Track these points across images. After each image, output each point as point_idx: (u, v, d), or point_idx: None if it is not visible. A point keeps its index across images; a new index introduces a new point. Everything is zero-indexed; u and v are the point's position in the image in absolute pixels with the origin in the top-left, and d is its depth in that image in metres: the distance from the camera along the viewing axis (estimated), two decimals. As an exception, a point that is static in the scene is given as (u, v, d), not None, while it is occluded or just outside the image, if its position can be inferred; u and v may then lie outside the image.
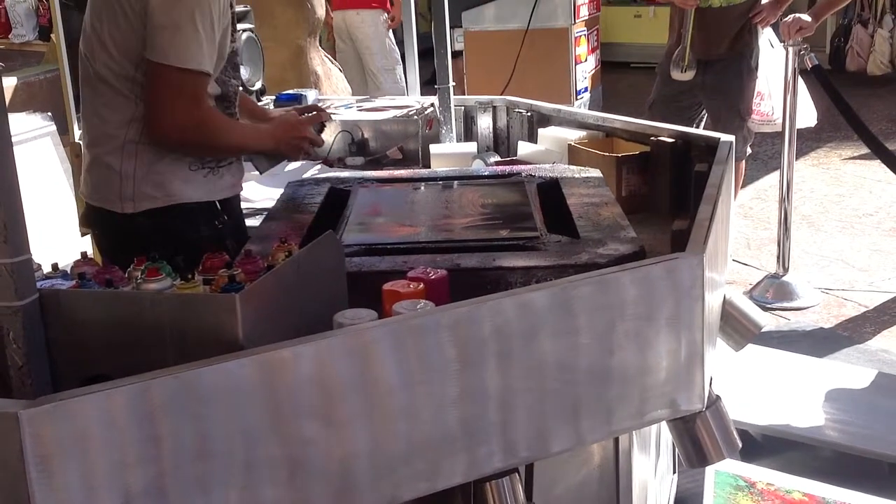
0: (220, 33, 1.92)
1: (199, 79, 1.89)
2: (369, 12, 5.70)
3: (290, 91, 3.40)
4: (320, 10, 5.43)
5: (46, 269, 1.53)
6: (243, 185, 2.89)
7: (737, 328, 2.07)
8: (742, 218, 5.02)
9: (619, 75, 8.12)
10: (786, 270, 4.06)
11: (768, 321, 2.68)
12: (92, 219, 2.07)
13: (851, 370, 3.34)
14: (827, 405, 2.98)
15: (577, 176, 2.26)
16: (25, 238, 1.21)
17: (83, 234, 2.40)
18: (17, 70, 6.12)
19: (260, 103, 3.34)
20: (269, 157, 2.24)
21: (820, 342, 3.62)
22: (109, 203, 1.99)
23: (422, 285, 1.47)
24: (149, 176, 1.96)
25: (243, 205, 2.79)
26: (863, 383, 3.21)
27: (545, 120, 2.94)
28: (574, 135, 2.71)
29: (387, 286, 1.45)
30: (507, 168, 2.46)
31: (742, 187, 4.86)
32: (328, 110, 3.38)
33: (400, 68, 5.33)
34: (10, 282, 1.19)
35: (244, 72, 3.21)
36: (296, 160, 2.43)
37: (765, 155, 5.86)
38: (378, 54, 5.73)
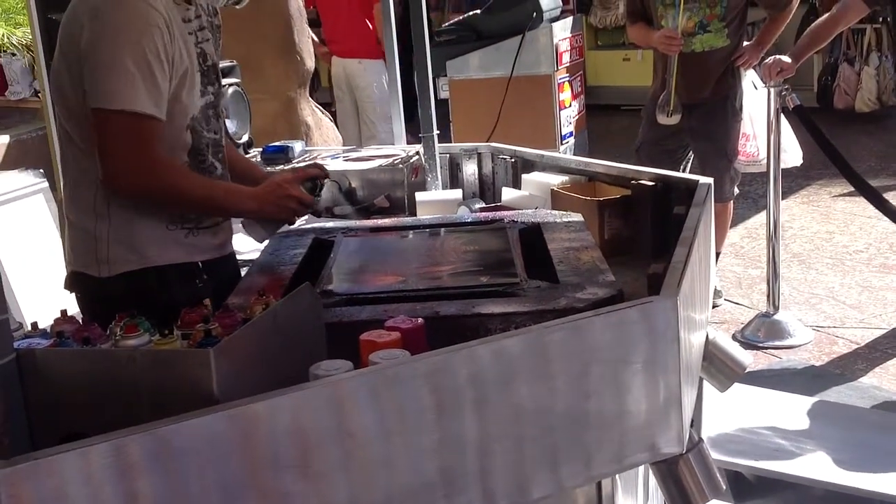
0: (174, 79, 1.87)
1: (140, 121, 1.80)
2: (371, 62, 5.76)
3: (278, 143, 3.44)
4: (310, 62, 5.50)
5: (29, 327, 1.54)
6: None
7: (721, 369, 2.08)
8: (733, 257, 5.04)
9: (609, 118, 8.19)
10: (776, 309, 4.07)
11: (754, 361, 2.69)
12: (73, 283, 2.02)
13: (844, 408, 3.34)
14: (819, 444, 2.97)
15: (558, 221, 2.28)
16: (2, 298, 1.22)
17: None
18: (11, 127, 6.20)
19: (248, 156, 3.38)
20: (262, 224, 2.12)
21: (812, 380, 3.62)
22: (87, 267, 1.96)
23: (399, 334, 1.48)
24: (122, 238, 1.92)
25: (231, 257, 2.81)
26: (855, 421, 3.21)
27: (529, 166, 2.97)
28: (557, 180, 2.74)
29: (363, 336, 1.47)
30: (491, 214, 2.49)
31: (732, 226, 4.89)
32: (316, 160, 3.42)
33: None
34: (-14, 342, 1.21)
35: (230, 125, 3.26)
36: (289, 223, 2.17)
37: (755, 194, 5.89)
38: (378, 103, 5.80)
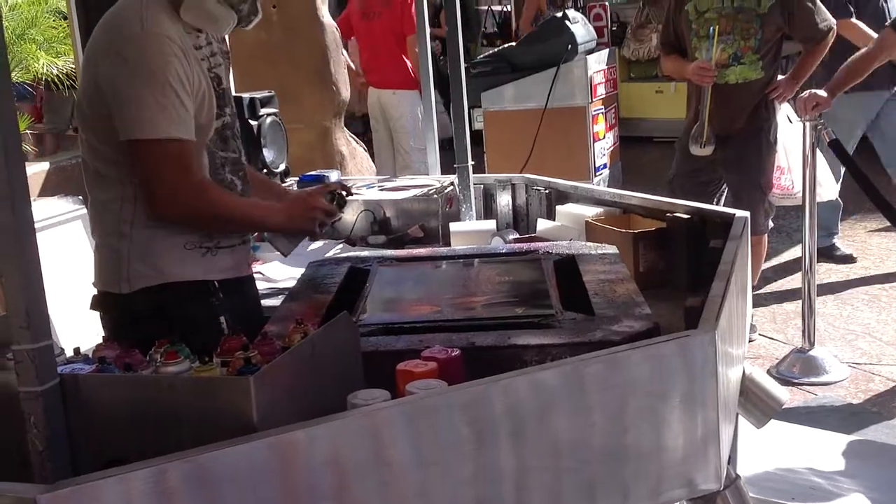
0: (195, 102, 1.92)
1: (178, 146, 1.88)
2: (406, 92, 5.82)
3: (314, 172, 3.47)
4: (345, 92, 5.56)
5: (71, 353, 1.56)
6: (266, 265, 2.95)
7: (757, 405, 2.06)
8: (767, 292, 4.99)
9: (642, 150, 8.18)
10: (812, 345, 4.01)
11: (790, 397, 2.66)
12: (98, 302, 2.07)
13: (881, 447, 3.28)
14: (856, 483, 2.92)
15: (593, 253, 2.28)
16: (47, 324, 1.25)
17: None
18: (50, 155, 6.31)
19: (284, 184, 3.42)
20: (288, 237, 2.18)
21: (848, 418, 3.56)
22: (110, 285, 2.00)
23: (435, 365, 1.48)
24: (142, 256, 1.97)
25: (266, 284, 2.84)
26: (893, 460, 3.15)
27: (563, 197, 2.97)
28: (591, 211, 2.74)
29: (400, 366, 1.47)
30: (525, 245, 2.49)
31: (766, 260, 4.85)
32: (352, 189, 3.45)
33: None
34: (31, 367, 1.23)
35: (268, 154, 3.30)
36: (314, 236, 2.25)
37: (789, 228, 5.84)
38: (412, 133, 5.84)
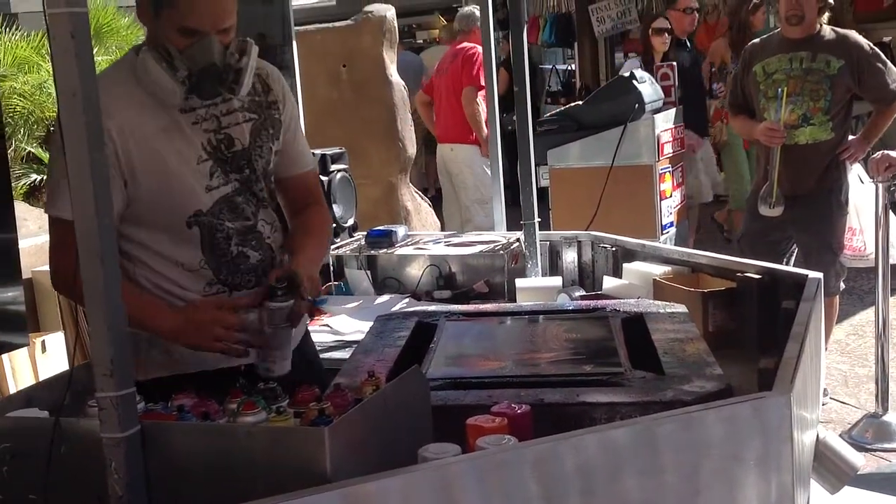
0: (146, 179, 1.80)
1: (62, 225, 1.71)
2: (463, 147, 5.90)
3: (382, 227, 3.52)
4: (411, 149, 5.66)
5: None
6: (334, 318, 2.99)
7: (831, 469, 2.01)
8: (839, 354, 4.88)
9: (707, 208, 8.11)
10: (885, 410, 3.90)
11: (866, 462, 2.59)
12: None
13: (961, 517, 3.15)
14: (936, 555, 2.81)
15: (661, 311, 2.26)
16: (130, 372, 1.28)
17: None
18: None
19: (351, 239, 3.48)
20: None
21: (925, 486, 3.44)
22: None
23: (505, 420, 1.48)
24: (159, 343, 1.84)
25: (334, 337, 2.87)
26: (974, 532, 3.03)
27: (630, 255, 2.97)
28: (659, 270, 2.73)
29: (470, 421, 1.48)
30: (592, 303, 2.48)
31: (837, 323, 4.74)
32: (417, 245, 3.49)
33: None
34: (114, 414, 1.26)
35: (337, 209, 3.36)
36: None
37: (861, 290, 5.72)
38: (471, 188, 5.90)
